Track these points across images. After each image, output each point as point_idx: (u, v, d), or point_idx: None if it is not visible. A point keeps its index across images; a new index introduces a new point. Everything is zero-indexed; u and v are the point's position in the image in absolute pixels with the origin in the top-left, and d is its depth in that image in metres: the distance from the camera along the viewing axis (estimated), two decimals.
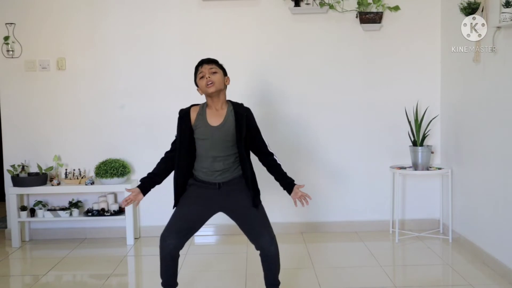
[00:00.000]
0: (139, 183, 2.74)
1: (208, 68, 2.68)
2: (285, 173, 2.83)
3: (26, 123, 4.38)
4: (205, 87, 2.66)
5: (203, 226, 2.78)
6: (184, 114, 2.72)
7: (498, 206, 3.37)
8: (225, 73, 2.76)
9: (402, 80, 4.33)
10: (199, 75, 2.70)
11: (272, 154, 2.81)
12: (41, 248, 4.23)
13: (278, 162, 2.81)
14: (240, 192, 2.71)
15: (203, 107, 2.74)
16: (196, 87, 2.76)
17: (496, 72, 3.36)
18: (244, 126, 2.68)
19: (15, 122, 4.37)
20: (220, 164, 2.67)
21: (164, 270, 2.71)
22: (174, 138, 2.77)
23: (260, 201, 2.75)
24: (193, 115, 2.71)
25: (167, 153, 2.80)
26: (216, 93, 2.67)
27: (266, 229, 2.67)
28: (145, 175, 2.77)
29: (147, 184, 2.73)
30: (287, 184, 2.80)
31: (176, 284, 2.77)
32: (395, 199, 4.28)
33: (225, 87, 2.75)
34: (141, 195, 2.71)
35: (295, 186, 2.78)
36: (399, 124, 4.26)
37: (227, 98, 2.78)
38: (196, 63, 2.76)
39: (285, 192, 4.50)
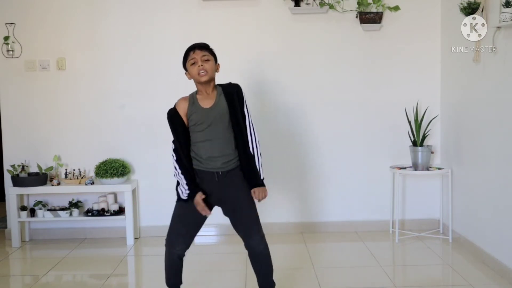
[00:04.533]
0: (188, 190, 2.62)
1: (201, 55, 2.61)
2: (259, 171, 2.68)
3: (26, 123, 4.38)
4: (197, 75, 2.60)
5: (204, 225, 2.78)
6: (173, 114, 2.67)
7: (498, 206, 3.37)
8: (215, 60, 2.68)
9: (402, 80, 4.33)
10: (190, 61, 2.62)
11: (250, 141, 2.66)
12: (41, 248, 4.23)
13: (256, 153, 2.67)
14: (238, 184, 2.66)
15: (193, 95, 2.69)
16: (184, 71, 2.70)
17: (496, 72, 3.36)
18: (236, 102, 2.63)
19: (15, 122, 4.37)
20: (218, 147, 2.60)
21: (174, 273, 2.73)
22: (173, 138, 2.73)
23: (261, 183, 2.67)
24: (184, 106, 2.64)
25: (176, 151, 2.68)
26: (207, 81, 2.62)
27: (257, 228, 2.66)
28: (182, 181, 2.64)
29: (195, 183, 2.64)
30: (253, 180, 2.67)
31: (181, 282, 2.81)
32: (395, 199, 4.28)
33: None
34: (203, 195, 2.62)
35: (255, 189, 2.65)
36: (399, 124, 4.26)
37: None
38: None
39: (285, 192, 4.53)
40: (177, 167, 2.66)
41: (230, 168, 2.65)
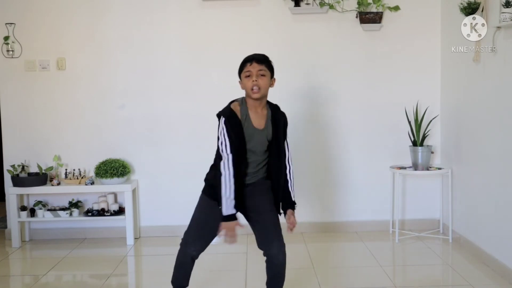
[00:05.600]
0: (231, 212, 2.45)
1: (258, 69, 2.48)
2: (290, 192, 2.66)
3: (26, 123, 4.37)
4: (249, 90, 2.48)
5: None
6: (232, 116, 2.46)
7: (498, 206, 3.37)
8: (272, 74, 2.55)
9: (402, 80, 4.33)
10: (246, 73, 2.50)
11: (287, 168, 2.67)
12: (41, 248, 4.23)
13: (290, 177, 2.67)
14: (262, 193, 2.60)
15: (244, 105, 2.53)
16: (238, 79, 2.59)
17: (496, 72, 3.36)
18: (281, 133, 2.58)
19: (15, 122, 4.37)
20: (253, 165, 2.56)
21: (182, 274, 2.70)
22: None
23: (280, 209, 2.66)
24: (239, 114, 2.49)
25: (228, 162, 2.45)
26: (259, 98, 2.51)
27: (278, 237, 2.53)
28: (230, 196, 2.44)
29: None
30: (286, 203, 2.65)
31: (187, 285, 2.77)
32: (395, 199, 4.28)
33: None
34: (238, 224, 2.47)
35: (290, 211, 2.62)
36: (399, 124, 4.26)
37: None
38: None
39: None
40: (227, 184, 2.43)
41: (255, 180, 2.60)
